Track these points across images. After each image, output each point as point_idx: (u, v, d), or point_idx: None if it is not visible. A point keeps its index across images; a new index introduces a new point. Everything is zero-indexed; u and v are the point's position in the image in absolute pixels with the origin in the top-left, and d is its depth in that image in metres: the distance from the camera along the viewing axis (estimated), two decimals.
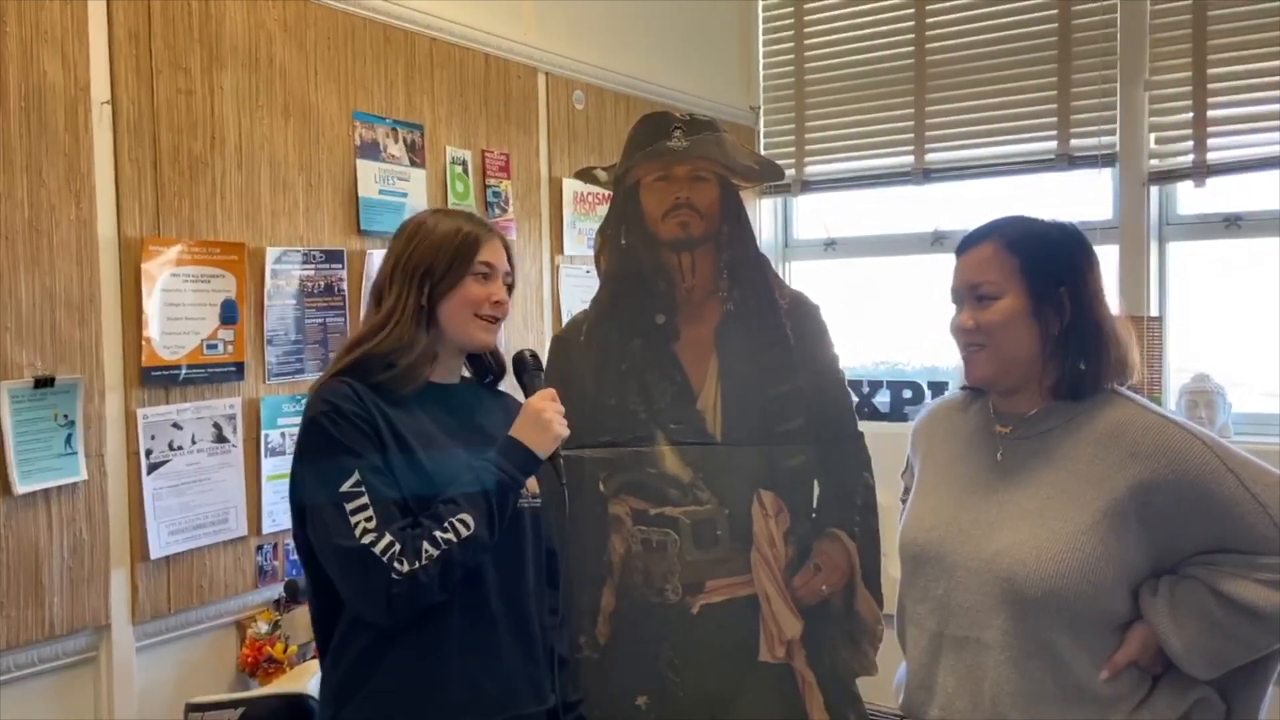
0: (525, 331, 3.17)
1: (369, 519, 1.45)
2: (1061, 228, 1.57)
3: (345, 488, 1.46)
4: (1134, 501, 1.41)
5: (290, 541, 2.50)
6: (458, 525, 1.48)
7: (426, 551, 1.45)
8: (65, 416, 2.04)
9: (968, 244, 1.57)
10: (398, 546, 1.45)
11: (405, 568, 1.44)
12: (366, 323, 1.64)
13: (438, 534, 1.47)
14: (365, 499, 1.46)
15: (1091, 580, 1.40)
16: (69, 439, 2.05)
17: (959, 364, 1.66)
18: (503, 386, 1.79)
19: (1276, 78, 3.22)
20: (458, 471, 1.55)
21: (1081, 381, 1.50)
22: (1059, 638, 1.42)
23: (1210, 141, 3.33)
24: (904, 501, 1.75)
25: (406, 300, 1.58)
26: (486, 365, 1.75)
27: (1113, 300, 1.56)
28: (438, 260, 1.59)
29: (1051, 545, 1.42)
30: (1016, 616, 1.43)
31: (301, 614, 2.43)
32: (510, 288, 1.68)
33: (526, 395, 1.67)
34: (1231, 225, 3.37)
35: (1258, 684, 1.50)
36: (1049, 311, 1.49)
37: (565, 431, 1.60)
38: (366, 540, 1.44)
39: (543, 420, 1.58)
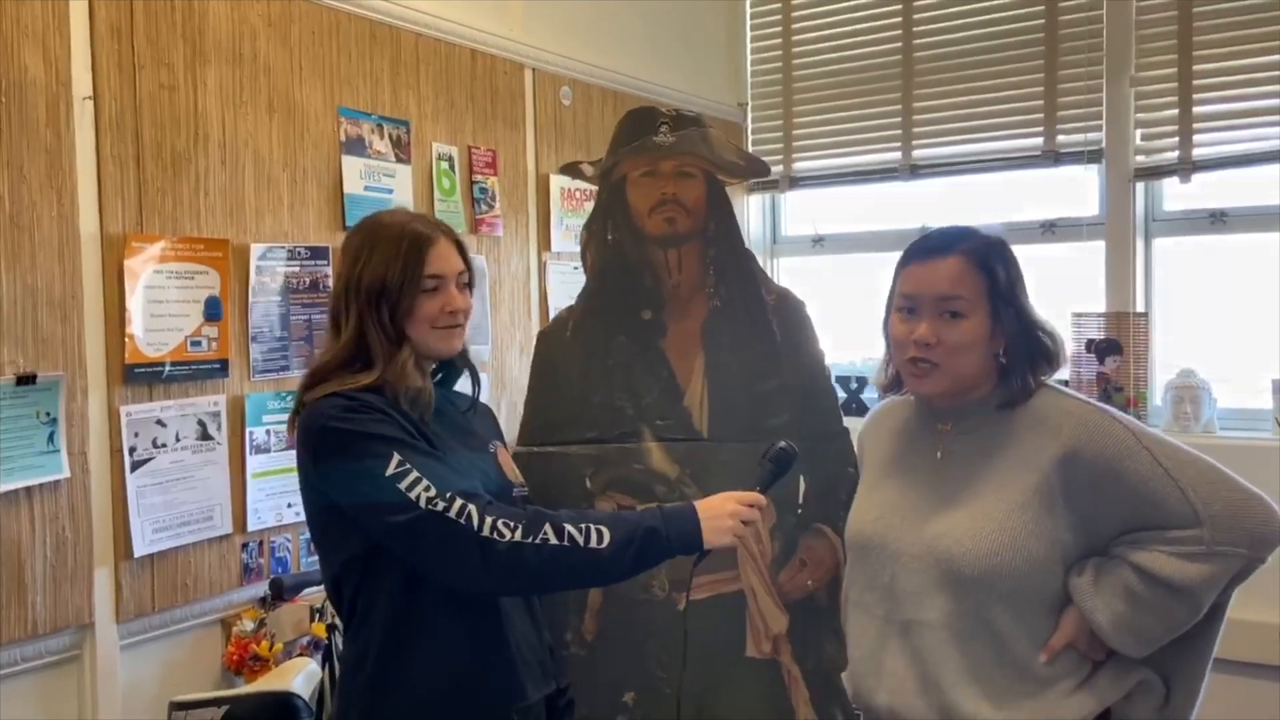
0: (513, 329, 3.17)
1: (426, 488, 1.40)
2: (1001, 239, 1.58)
3: (390, 471, 1.41)
4: (1058, 477, 1.45)
5: (276, 539, 2.50)
6: (592, 532, 1.43)
7: (546, 534, 1.41)
8: (47, 414, 2.03)
9: (929, 252, 1.54)
10: (473, 509, 1.40)
11: (510, 536, 1.39)
12: (330, 351, 1.56)
13: (568, 526, 1.43)
14: (415, 473, 1.41)
15: (1026, 557, 1.44)
16: (51, 437, 2.04)
17: (884, 362, 1.65)
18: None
19: (1262, 74, 3.23)
20: (478, 475, 1.53)
21: (1025, 387, 1.53)
22: (999, 616, 1.46)
23: (1196, 137, 3.33)
24: None
25: (368, 328, 1.52)
26: (451, 363, 1.69)
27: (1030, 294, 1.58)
28: (388, 282, 1.52)
29: (986, 524, 1.46)
30: (957, 596, 1.47)
31: (287, 612, 2.42)
32: (469, 285, 1.62)
33: (761, 481, 1.61)
34: (1217, 221, 3.38)
35: (1195, 666, 1.53)
36: (999, 332, 1.52)
37: (733, 542, 1.54)
38: (435, 507, 1.39)
39: (725, 525, 1.52)
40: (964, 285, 1.50)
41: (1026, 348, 1.52)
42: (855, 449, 1.80)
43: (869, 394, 3.78)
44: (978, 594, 1.45)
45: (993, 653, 1.46)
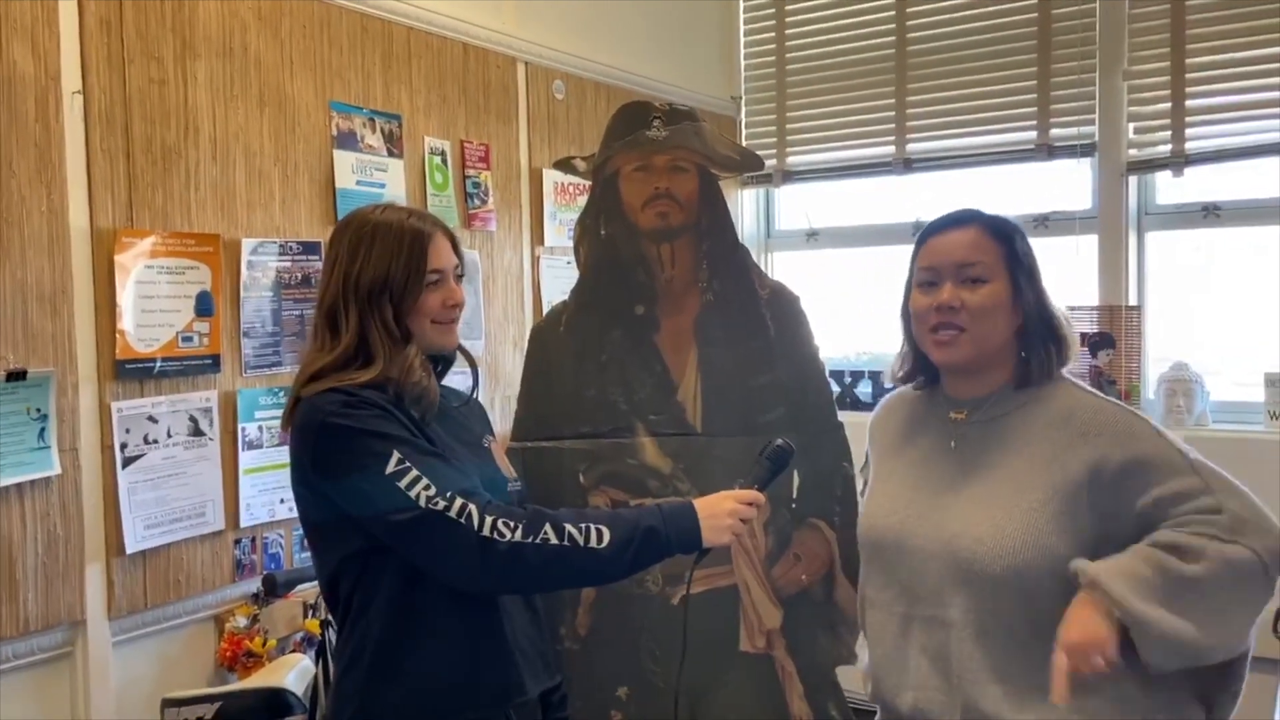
0: (506, 323, 3.16)
1: (426, 486, 1.40)
2: (1015, 222, 1.60)
3: (390, 469, 1.40)
4: (1086, 480, 1.45)
5: (269, 535, 2.49)
6: (591, 531, 1.43)
7: (546, 534, 1.41)
8: (38, 410, 2.02)
9: (946, 226, 1.57)
10: (473, 508, 1.40)
11: (510, 536, 1.39)
12: (326, 353, 1.52)
13: (567, 525, 1.42)
14: (415, 471, 1.40)
15: (1048, 555, 1.43)
16: (42, 433, 2.03)
17: (900, 353, 1.65)
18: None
19: (1254, 67, 3.24)
20: (477, 472, 1.52)
21: (1045, 369, 1.54)
22: (1019, 614, 1.45)
23: (1188, 131, 3.34)
24: (862, 496, 1.77)
25: (370, 325, 1.51)
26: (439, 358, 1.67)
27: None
28: (392, 278, 1.51)
29: (1008, 523, 1.45)
30: (978, 594, 1.46)
31: (280, 608, 2.42)
32: (459, 277, 1.62)
33: (759, 479, 1.60)
34: (1210, 215, 3.39)
35: (1229, 690, 1.48)
36: (1020, 302, 1.53)
37: (731, 541, 1.54)
38: (435, 506, 1.38)
39: (724, 524, 1.52)
40: (983, 251, 1.52)
41: (1043, 324, 1.53)
42: (866, 441, 1.78)
43: (863, 388, 3.78)
44: (999, 592, 1.44)
45: (1014, 651, 1.45)
